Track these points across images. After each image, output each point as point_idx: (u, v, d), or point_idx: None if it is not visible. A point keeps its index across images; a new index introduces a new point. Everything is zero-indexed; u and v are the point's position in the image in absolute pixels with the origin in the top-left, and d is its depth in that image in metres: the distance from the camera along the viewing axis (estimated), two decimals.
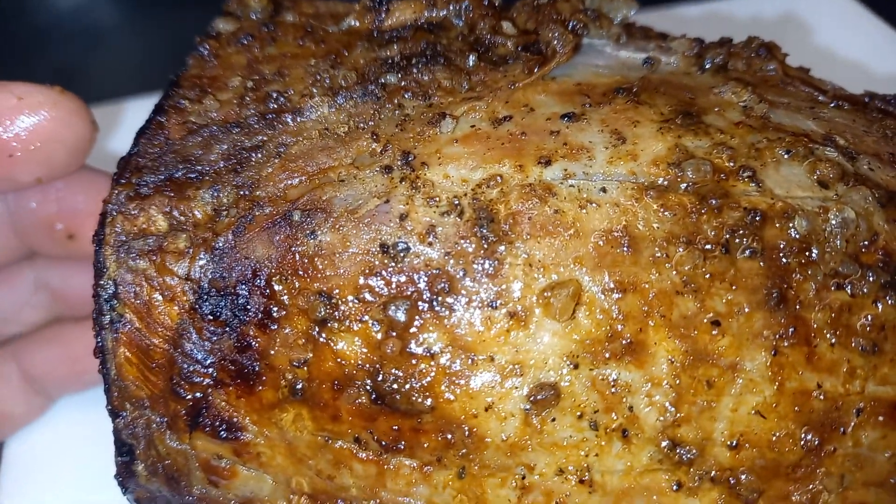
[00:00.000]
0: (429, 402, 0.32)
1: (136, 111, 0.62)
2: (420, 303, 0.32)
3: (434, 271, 0.32)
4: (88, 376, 0.48)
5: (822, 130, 0.37)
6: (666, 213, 0.33)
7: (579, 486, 0.32)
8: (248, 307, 0.33)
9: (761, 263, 0.32)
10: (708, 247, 0.32)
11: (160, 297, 0.33)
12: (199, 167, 0.34)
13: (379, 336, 0.32)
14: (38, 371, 0.47)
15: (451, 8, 0.39)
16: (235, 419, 0.34)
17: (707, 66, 0.40)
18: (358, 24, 0.40)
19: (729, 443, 0.32)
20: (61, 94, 0.38)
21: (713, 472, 0.32)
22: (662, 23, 0.48)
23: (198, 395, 0.33)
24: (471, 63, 0.37)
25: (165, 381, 0.34)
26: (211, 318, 0.33)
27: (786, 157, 0.34)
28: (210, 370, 0.33)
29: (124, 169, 0.35)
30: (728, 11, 0.67)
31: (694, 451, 0.32)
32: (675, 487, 0.32)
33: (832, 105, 0.39)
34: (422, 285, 0.32)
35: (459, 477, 0.33)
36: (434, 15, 0.39)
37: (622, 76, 0.38)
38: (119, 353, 0.33)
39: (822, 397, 0.32)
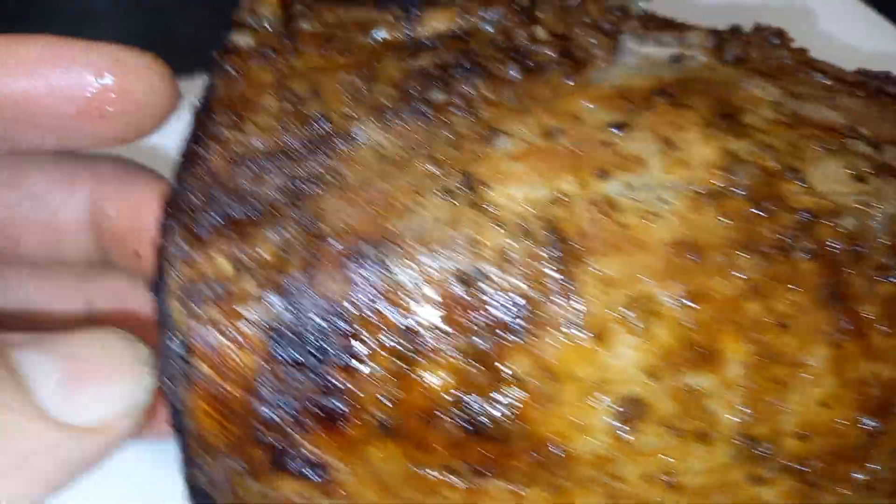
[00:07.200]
0: (517, 426, 0.32)
1: None
2: (501, 330, 0.32)
3: (512, 296, 0.32)
4: None
5: (845, 122, 0.38)
6: (725, 220, 0.33)
7: (664, 489, 0.34)
8: (328, 348, 0.32)
9: (816, 262, 0.34)
10: (767, 250, 0.33)
11: (233, 345, 0.32)
12: (256, 203, 0.33)
13: (464, 366, 0.32)
14: None
15: (483, 15, 0.39)
16: (321, 460, 0.33)
17: (728, 59, 0.40)
18: (387, 34, 0.38)
19: (799, 434, 0.34)
20: (155, 59, 0.37)
21: (786, 463, 0.34)
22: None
23: (280, 438, 0.33)
24: (513, 73, 0.36)
25: (244, 429, 0.33)
26: (289, 361, 0.32)
27: (822, 152, 0.36)
28: (292, 413, 0.32)
29: (175, 211, 0.33)
30: None
31: (768, 445, 0.34)
32: (751, 481, 0.34)
33: (844, 91, 0.41)
34: (501, 312, 0.32)
35: (550, 493, 0.34)
36: (465, 23, 0.39)
37: (655, 76, 0.38)
38: (195, 404, 0.32)
39: (878, 384, 0.34)
